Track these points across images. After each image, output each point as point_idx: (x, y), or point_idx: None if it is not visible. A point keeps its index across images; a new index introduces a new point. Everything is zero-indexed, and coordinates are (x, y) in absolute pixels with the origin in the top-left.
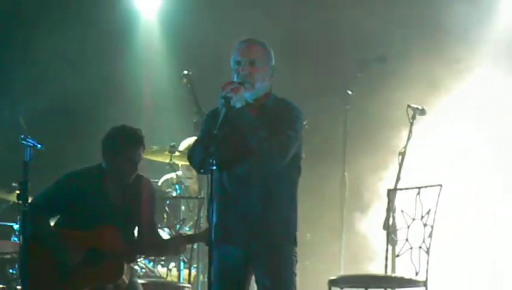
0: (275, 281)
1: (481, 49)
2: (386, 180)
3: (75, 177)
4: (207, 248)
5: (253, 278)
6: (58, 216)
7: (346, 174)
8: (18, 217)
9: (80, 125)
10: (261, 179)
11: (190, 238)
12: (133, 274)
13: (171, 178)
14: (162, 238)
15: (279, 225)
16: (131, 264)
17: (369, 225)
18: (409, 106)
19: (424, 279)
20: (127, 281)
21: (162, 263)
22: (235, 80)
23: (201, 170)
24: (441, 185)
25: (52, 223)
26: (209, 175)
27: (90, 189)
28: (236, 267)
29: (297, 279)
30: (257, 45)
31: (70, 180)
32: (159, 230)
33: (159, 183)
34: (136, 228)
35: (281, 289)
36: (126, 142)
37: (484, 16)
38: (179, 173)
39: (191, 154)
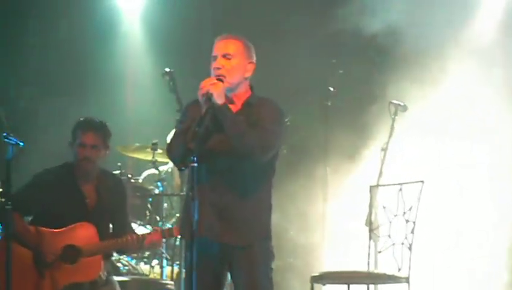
0: (248, 277)
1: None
2: (369, 177)
3: (47, 176)
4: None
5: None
6: (33, 216)
7: (328, 170)
8: None
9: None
10: (239, 174)
11: (165, 233)
12: (110, 271)
13: (153, 174)
14: (137, 234)
15: (254, 222)
16: (109, 261)
17: (352, 221)
18: (390, 103)
19: (407, 275)
20: (104, 278)
21: (145, 260)
22: (212, 75)
23: (182, 167)
24: (422, 181)
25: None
26: (190, 172)
27: (63, 187)
28: (213, 261)
29: (280, 276)
30: (233, 39)
31: (42, 179)
32: (142, 227)
33: (140, 180)
34: (111, 226)
35: (256, 285)
36: (77, 127)
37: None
38: (162, 168)
39: (170, 149)
